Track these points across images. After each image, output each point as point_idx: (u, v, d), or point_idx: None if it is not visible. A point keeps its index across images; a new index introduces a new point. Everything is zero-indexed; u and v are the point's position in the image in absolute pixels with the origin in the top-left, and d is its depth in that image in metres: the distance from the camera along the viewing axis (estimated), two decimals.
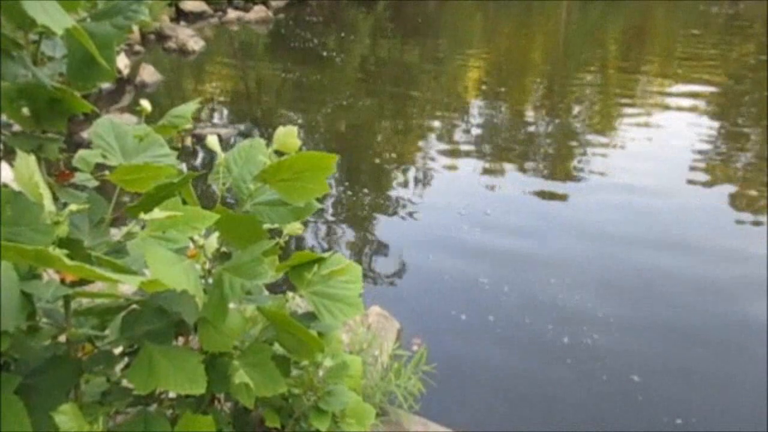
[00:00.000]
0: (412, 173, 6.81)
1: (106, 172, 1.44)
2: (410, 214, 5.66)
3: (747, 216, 5.85)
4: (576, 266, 4.64)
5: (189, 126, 1.88)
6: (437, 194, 6.23)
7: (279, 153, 1.58)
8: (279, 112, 8.77)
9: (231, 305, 1.56)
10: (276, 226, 1.63)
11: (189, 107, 1.65)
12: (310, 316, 1.77)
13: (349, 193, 6.08)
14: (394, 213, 5.69)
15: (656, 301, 4.23)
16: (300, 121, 8.34)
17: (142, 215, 1.33)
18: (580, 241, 5.06)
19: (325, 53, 12.47)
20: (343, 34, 14.14)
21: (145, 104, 1.69)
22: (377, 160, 7.11)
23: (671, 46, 14.19)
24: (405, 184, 6.46)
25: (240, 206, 1.60)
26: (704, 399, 3.31)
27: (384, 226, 5.42)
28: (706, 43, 13.96)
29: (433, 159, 7.20)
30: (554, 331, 3.81)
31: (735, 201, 6.30)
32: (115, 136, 1.61)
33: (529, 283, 4.39)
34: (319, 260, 1.75)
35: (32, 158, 1.04)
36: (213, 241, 1.35)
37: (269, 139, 1.67)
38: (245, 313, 1.82)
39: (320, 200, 1.74)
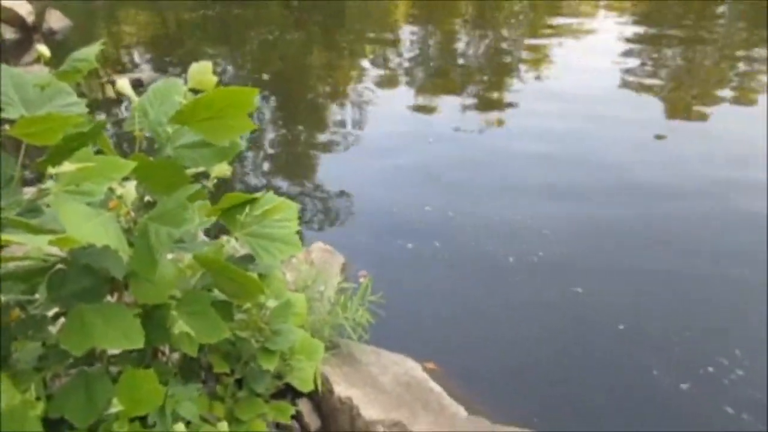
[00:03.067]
0: (348, 106, 6.69)
1: (6, 127, 1.33)
2: (349, 148, 5.59)
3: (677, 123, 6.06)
4: (515, 188, 4.70)
5: (107, 74, 1.75)
6: (375, 125, 6.16)
7: (195, 92, 1.49)
8: (202, 51, 8.41)
9: (165, 255, 1.50)
10: (201, 169, 1.56)
11: (92, 50, 1.53)
12: (248, 259, 1.73)
13: (284, 130, 5.95)
14: (332, 147, 5.61)
15: (591, 209, 4.35)
16: (224, 59, 8.03)
17: (51, 169, 1.24)
18: (518, 163, 5.11)
19: None
20: None
21: (43, 49, 1.56)
22: (311, 95, 6.95)
23: None
24: (342, 117, 6.35)
25: (159, 151, 1.52)
26: (644, 300, 3.46)
27: (323, 162, 5.35)
28: None
29: (368, 90, 7.09)
30: (499, 251, 3.88)
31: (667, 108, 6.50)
32: (14, 86, 1.49)
33: (473, 207, 4.43)
34: (252, 201, 1.69)
35: None
36: (131, 190, 1.28)
37: None
38: (182, 262, 1.77)
39: (249, 138, 1.68)
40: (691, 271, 3.72)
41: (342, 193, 4.73)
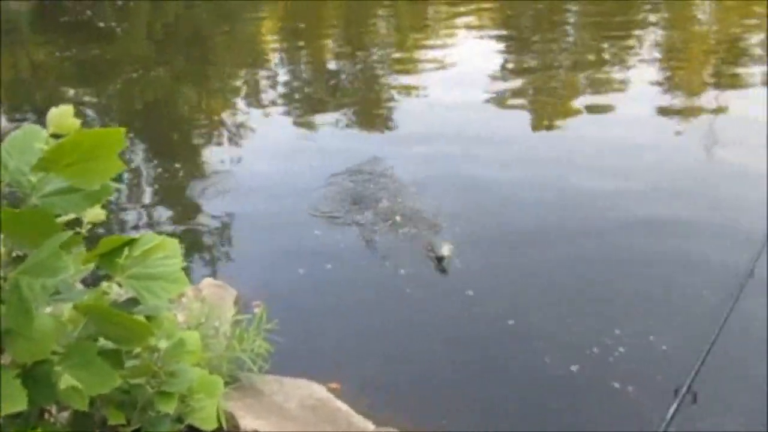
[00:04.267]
0: (222, 138, 6.61)
1: None
2: (227, 180, 5.49)
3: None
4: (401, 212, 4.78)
5: None
6: (254, 153, 6.12)
7: (57, 137, 1.44)
8: (63, 96, 7.99)
9: (41, 309, 1.43)
10: (72, 216, 1.51)
11: None
12: (133, 302, 1.68)
13: (159, 169, 5.76)
14: (210, 182, 5.49)
15: (473, 227, 4.51)
16: (89, 100, 7.69)
17: None
18: (395, 185, 5.16)
19: (102, 24, 11.48)
20: (119, 1, 13.06)
21: None
22: (185, 128, 6.80)
23: None
24: (217, 150, 6.25)
25: (24, 202, 1.45)
26: (528, 293, 3.67)
27: (203, 197, 5.22)
28: None
29: (243, 118, 7.04)
30: (389, 268, 3.96)
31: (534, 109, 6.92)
32: None
33: (360, 229, 4.48)
34: (131, 242, 1.65)
35: None
36: None
37: None
38: (62, 315, 1.69)
39: (118, 179, 1.64)
40: (556, 262, 3.98)
41: (226, 227, 4.66)
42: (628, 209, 4.54)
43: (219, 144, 6.43)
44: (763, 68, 7.42)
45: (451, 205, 4.67)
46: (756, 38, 8.75)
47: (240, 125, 6.91)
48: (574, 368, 3.07)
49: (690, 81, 7.42)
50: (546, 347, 3.21)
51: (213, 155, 6.11)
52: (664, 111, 6.48)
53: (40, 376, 1.41)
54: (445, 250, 3.83)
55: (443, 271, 3.76)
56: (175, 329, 1.93)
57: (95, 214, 1.67)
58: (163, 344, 1.83)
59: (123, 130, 1.42)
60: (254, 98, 7.82)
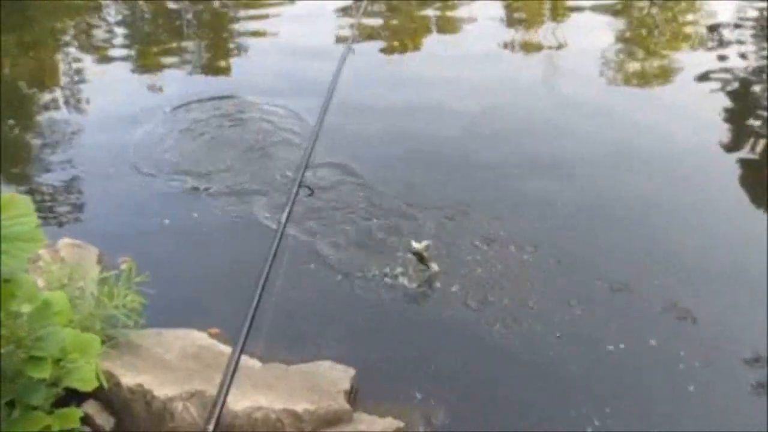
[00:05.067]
0: (62, 88, 6.08)
1: None
2: (74, 133, 5.11)
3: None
4: (260, 150, 4.69)
5: None
6: (94, 103, 5.70)
7: None
8: None
9: None
10: None
11: None
12: None
13: None
14: (51, 135, 5.08)
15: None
16: None
17: None
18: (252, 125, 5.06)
19: None
20: None
21: None
22: (13, 79, 6.18)
23: None
24: (55, 102, 5.76)
25: None
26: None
27: (45, 152, 4.84)
28: None
29: (81, 68, 6.50)
30: (258, 214, 3.91)
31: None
32: None
33: (230, 174, 4.35)
34: None
35: None
36: None
37: None
38: None
39: None
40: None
41: (75, 180, 4.37)
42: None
43: (54, 97, 5.93)
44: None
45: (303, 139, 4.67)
46: None
47: (76, 72, 6.39)
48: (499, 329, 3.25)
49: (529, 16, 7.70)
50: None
51: (48, 109, 5.64)
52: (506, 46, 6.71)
53: None
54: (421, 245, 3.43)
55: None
56: (36, 291, 1.81)
57: None
58: (26, 308, 1.72)
59: None
60: (88, 46, 7.22)
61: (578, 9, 7.64)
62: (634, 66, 6.16)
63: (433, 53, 6.52)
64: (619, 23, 7.28)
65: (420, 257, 3.24)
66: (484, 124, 4.95)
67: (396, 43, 6.82)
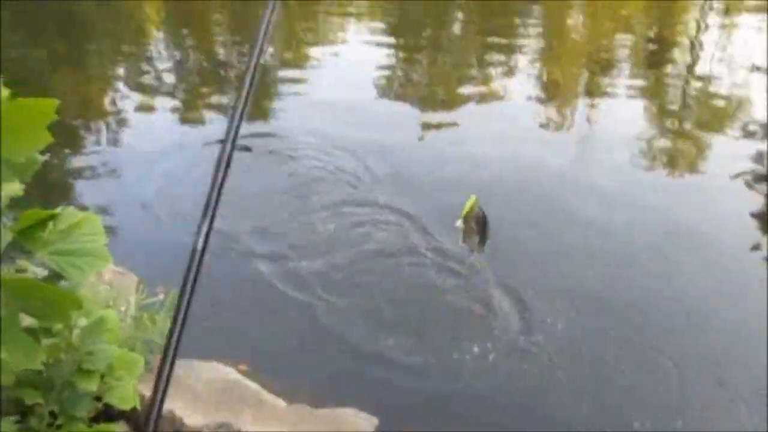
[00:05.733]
0: (107, 125, 6.37)
1: None
2: (113, 171, 5.33)
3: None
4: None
5: None
6: (138, 143, 5.94)
7: None
8: None
9: None
10: None
11: None
12: (56, 277, 1.66)
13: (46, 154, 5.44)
14: (94, 167, 5.32)
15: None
16: None
17: None
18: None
19: None
20: None
21: None
22: (67, 116, 6.47)
23: None
24: (98, 137, 6.05)
25: None
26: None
27: (89, 183, 5.06)
28: None
29: (126, 107, 6.80)
30: (292, 256, 4.02)
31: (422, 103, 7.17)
32: None
33: (248, 211, 4.48)
34: (53, 217, 1.62)
35: None
36: None
37: None
38: None
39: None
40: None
41: (115, 216, 4.55)
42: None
43: (101, 131, 6.23)
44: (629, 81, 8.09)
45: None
46: (623, 48, 9.55)
47: (122, 115, 6.69)
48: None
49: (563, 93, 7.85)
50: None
51: (96, 141, 5.92)
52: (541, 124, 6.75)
53: None
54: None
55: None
56: (92, 307, 1.91)
57: (13, 188, 1.63)
58: (82, 322, 1.81)
59: (55, 101, 1.41)
60: (135, 86, 7.55)
61: (612, 88, 7.80)
62: (667, 152, 6.21)
63: (473, 130, 6.52)
64: (654, 105, 7.40)
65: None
66: (508, 204, 4.88)
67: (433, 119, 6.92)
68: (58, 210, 1.68)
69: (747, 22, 10.89)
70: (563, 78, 8.25)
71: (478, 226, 3.44)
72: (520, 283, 3.77)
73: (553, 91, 7.76)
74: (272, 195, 4.83)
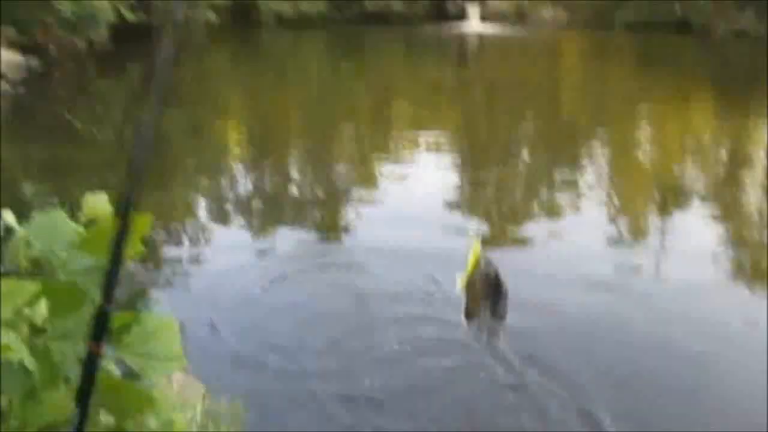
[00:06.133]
0: (187, 241, 6.78)
1: None
2: (187, 281, 5.63)
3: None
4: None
5: None
6: (212, 257, 6.27)
7: (89, 221, 1.63)
8: (39, 197, 8.08)
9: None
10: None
11: None
12: (131, 377, 1.80)
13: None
14: (171, 279, 5.63)
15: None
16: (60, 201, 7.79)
17: None
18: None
19: (79, 126, 11.79)
20: (96, 106, 13.47)
21: None
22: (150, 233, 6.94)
23: (415, 102, 15.85)
24: (179, 252, 6.42)
25: (50, 275, 1.60)
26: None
27: (162, 293, 5.35)
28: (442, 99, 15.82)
29: (205, 226, 7.25)
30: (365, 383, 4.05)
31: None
32: None
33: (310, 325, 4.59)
34: (136, 319, 1.79)
35: None
36: (42, 310, 1.37)
37: None
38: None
39: None
40: None
41: (191, 322, 4.75)
42: None
43: (178, 243, 6.60)
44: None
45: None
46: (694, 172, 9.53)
47: (203, 233, 7.10)
48: None
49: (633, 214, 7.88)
50: None
51: (173, 257, 6.28)
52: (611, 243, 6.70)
53: None
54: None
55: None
56: (162, 409, 2.02)
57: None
58: (153, 422, 1.92)
59: (150, 216, 1.62)
60: (217, 207, 8.06)
61: (684, 210, 7.72)
62: (745, 274, 6.01)
63: (540, 250, 6.57)
64: (731, 226, 7.25)
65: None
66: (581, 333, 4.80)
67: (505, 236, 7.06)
68: (140, 313, 1.86)
69: None
70: (633, 199, 8.29)
71: (488, 288, 2.77)
72: None
73: (623, 212, 7.79)
74: (338, 310, 4.96)
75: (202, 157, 10.43)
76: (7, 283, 1.32)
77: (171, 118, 12.94)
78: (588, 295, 5.29)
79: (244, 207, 8.10)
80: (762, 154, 10.19)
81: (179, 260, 6.21)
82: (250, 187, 9.06)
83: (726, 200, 8.08)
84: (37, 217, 1.76)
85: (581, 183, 8.88)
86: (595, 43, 27.16)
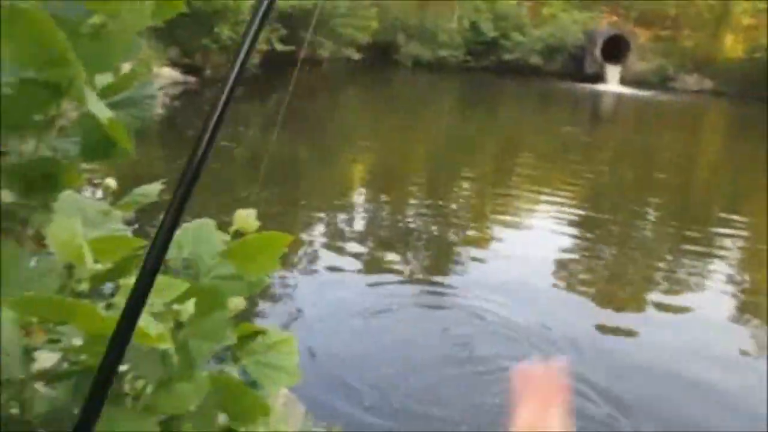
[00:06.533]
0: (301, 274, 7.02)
1: None
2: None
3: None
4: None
5: None
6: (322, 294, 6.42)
7: (238, 233, 1.77)
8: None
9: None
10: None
11: (153, 188, 1.82)
12: (250, 385, 1.91)
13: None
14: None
15: None
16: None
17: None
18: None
19: (222, 144, 12.64)
20: (240, 127, 14.40)
21: (110, 182, 1.83)
22: None
23: (540, 157, 15.67)
24: (294, 286, 6.65)
25: (196, 278, 1.75)
26: None
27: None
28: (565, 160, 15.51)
29: (319, 258, 7.48)
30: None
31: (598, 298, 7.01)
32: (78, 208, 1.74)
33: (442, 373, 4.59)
34: (262, 332, 1.91)
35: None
36: (190, 307, 1.50)
37: None
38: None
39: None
40: None
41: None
42: None
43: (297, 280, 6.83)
44: None
45: None
46: None
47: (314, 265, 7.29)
48: None
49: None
50: None
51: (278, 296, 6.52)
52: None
53: (173, 429, 1.62)
54: None
55: None
56: (274, 419, 2.12)
57: (239, 303, 1.95)
58: (261, 429, 2.01)
59: (290, 237, 1.74)
60: (332, 241, 8.28)
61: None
62: None
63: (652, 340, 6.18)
64: None
65: None
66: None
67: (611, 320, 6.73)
68: (265, 327, 1.98)
69: None
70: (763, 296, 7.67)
71: None
72: None
73: (750, 311, 7.19)
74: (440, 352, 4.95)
75: (319, 184, 10.84)
76: (162, 280, 1.46)
77: (298, 142, 13.64)
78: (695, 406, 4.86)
79: (358, 239, 8.31)
80: None
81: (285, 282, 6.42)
82: (363, 220, 9.30)
83: None
84: (189, 225, 1.93)
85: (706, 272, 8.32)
86: (738, 116, 25.72)
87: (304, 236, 8.18)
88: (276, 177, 10.64)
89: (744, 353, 5.93)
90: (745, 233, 10.23)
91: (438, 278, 7.05)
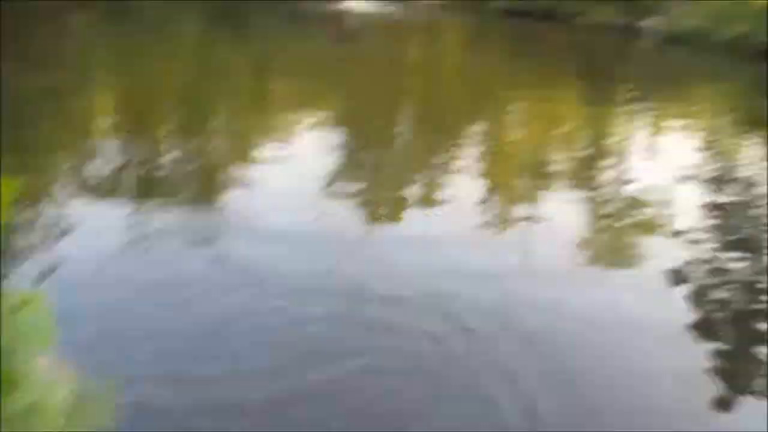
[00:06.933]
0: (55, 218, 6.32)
1: None
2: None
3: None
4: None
5: None
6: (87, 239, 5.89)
7: None
8: None
9: None
10: None
11: None
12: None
13: None
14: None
15: None
16: None
17: None
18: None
19: None
20: None
21: None
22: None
23: (292, 73, 15.63)
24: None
25: None
26: None
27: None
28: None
29: (70, 204, 6.77)
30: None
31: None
32: None
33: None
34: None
35: None
36: None
37: None
38: None
39: None
40: None
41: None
42: None
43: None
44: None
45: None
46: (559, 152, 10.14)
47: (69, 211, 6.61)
48: None
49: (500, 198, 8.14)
50: None
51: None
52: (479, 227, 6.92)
53: None
54: None
55: None
56: (29, 391, 1.88)
57: None
58: (18, 405, 1.78)
59: (17, 182, 1.49)
60: (83, 184, 7.52)
61: (548, 194, 8.12)
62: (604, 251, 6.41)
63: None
64: (590, 210, 7.73)
65: None
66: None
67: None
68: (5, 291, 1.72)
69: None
70: (502, 185, 8.67)
71: None
72: None
73: (490, 197, 8.08)
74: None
75: (58, 123, 9.69)
76: None
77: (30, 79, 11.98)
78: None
79: (105, 181, 7.56)
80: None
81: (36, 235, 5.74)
82: (110, 160, 8.46)
83: (589, 188, 8.55)
84: None
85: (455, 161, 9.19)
86: (469, 28, 28.10)
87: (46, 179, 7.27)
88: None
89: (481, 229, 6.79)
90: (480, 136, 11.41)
91: (198, 210, 6.80)
